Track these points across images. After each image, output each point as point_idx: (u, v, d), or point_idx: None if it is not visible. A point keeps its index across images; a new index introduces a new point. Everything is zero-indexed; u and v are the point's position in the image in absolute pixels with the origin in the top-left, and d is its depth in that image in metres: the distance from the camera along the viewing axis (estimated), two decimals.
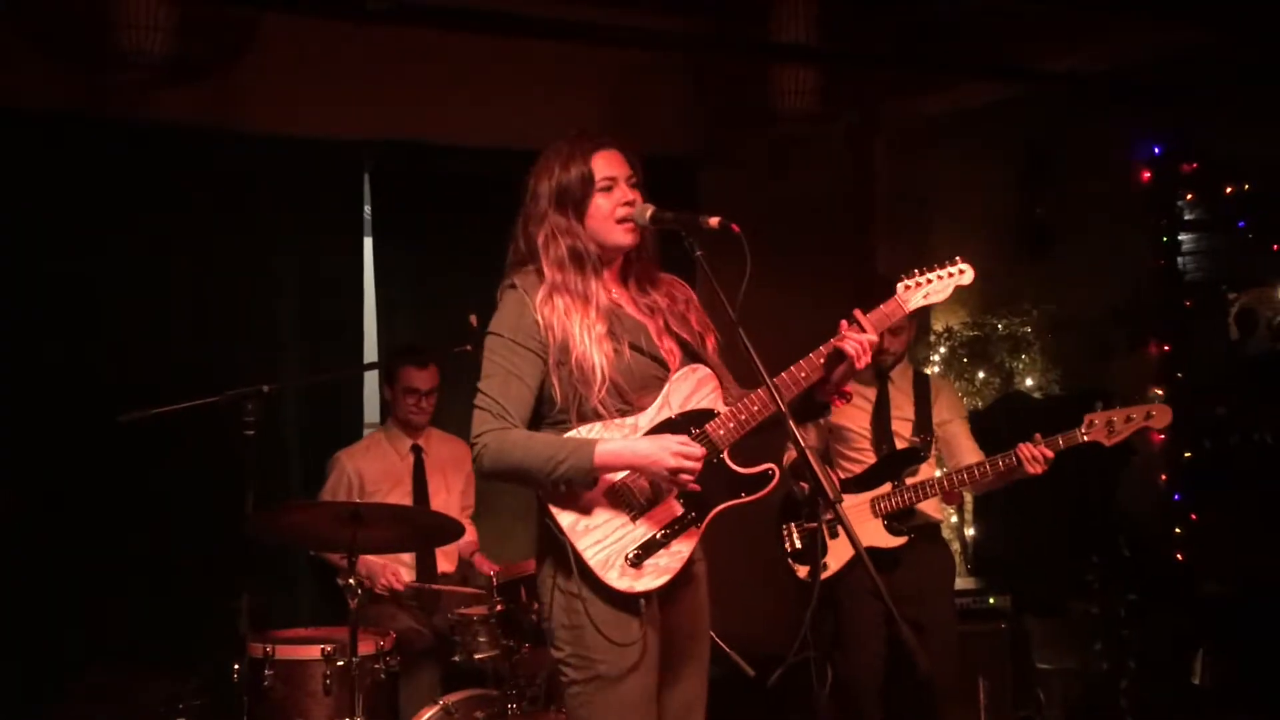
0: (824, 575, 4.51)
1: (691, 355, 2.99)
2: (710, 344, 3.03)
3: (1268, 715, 5.20)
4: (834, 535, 4.48)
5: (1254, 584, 5.45)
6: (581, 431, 2.82)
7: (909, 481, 4.48)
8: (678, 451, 2.78)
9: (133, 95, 4.99)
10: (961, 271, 3.00)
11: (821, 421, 4.70)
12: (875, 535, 4.46)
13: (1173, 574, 5.69)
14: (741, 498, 2.91)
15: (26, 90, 4.95)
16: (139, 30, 4.64)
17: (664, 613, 2.92)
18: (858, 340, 2.86)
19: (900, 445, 4.59)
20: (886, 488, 4.49)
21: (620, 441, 2.81)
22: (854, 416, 4.65)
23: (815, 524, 4.52)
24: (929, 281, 3.00)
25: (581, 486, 2.80)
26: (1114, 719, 5.56)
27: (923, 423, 4.62)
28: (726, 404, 2.94)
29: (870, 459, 4.60)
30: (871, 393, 4.66)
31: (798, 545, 4.60)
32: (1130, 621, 5.65)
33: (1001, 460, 4.27)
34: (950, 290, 3.00)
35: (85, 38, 4.69)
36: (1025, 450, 4.20)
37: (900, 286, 2.99)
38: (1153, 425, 4.21)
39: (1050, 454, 4.19)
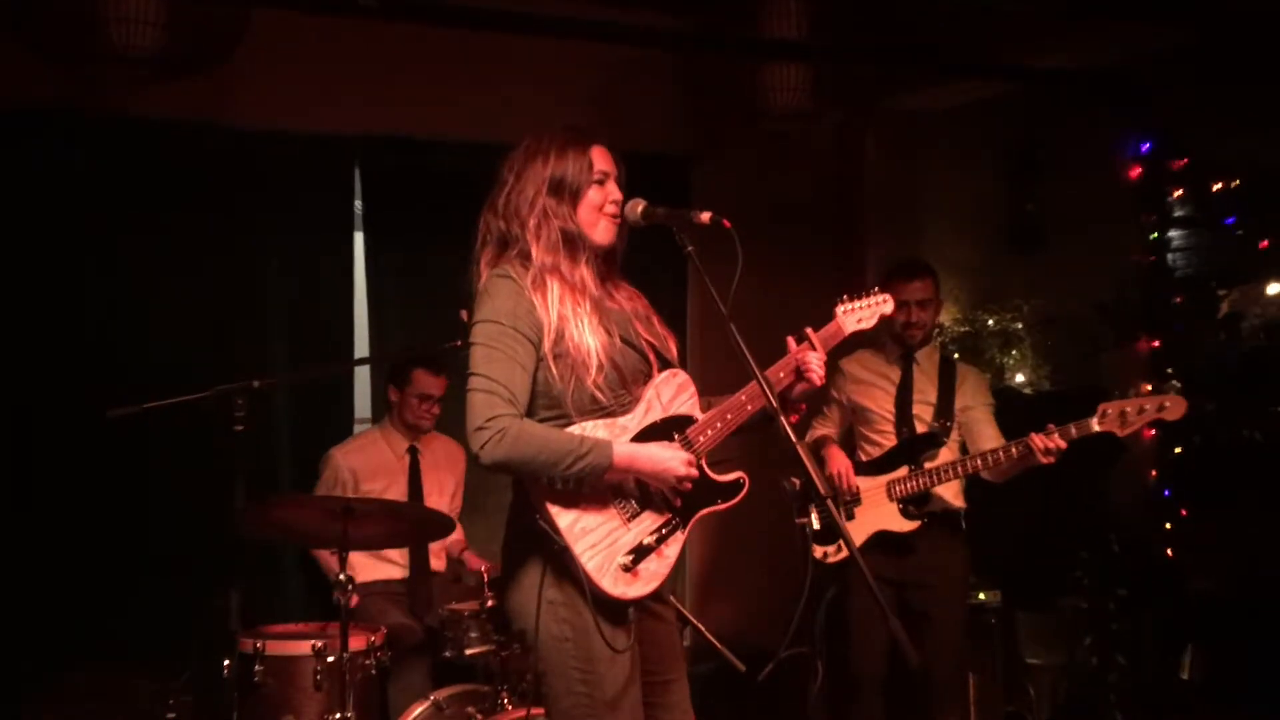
0: (834, 559, 4.54)
1: (660, 358, 2.98)
2: (674, 350, 3.04)
3: (1255, 711, 5.21)
4: (850, 517, 4.48)
5: (1242, 580, 5.46)
6: (587, 428, 2.80)
7: (926, 466, 4.49)
8: (689, 460, 2.82)
9: (122, 90, 4.96)
10: (884, 301, 3.22)
11: (845, 401, 4.73)
12: (890, 519, 4.48)
13: (1162, 570, 5.70)
14: (718, 504, 2.93)
15: (14, 85, 4.93)
16: (129, 24, 4.61)
17: (640, 625, 2.91)
18: (818, 368, 2.97)
19: (920, 429, 4.60)
20: (903, 471, 4.51)
21: (633, 445, 2.81)
22: (877, 398, 4.67)
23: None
24: (860, 308, 3.18)
25: (588, 486, 2.77)
26: (1102, 714, 5.57)
27: (944, 407, 4.61)
28: (702, 410, 2.95)
29: (893, 441, 4.62)
30: (896, 374, 4.68)
31: (818, 527, 4.60)
32: (1119, 617, 5.66)
33: (1015, 447, 4.26)
34: (876, 318, 3.20)
35: (75, 32, 4.66)
36: (1037, 440, 4.18)
37: (839, 310, 3.18)
38: (1166, 417, 4.15)
39: (1064, 444, 4.16)
